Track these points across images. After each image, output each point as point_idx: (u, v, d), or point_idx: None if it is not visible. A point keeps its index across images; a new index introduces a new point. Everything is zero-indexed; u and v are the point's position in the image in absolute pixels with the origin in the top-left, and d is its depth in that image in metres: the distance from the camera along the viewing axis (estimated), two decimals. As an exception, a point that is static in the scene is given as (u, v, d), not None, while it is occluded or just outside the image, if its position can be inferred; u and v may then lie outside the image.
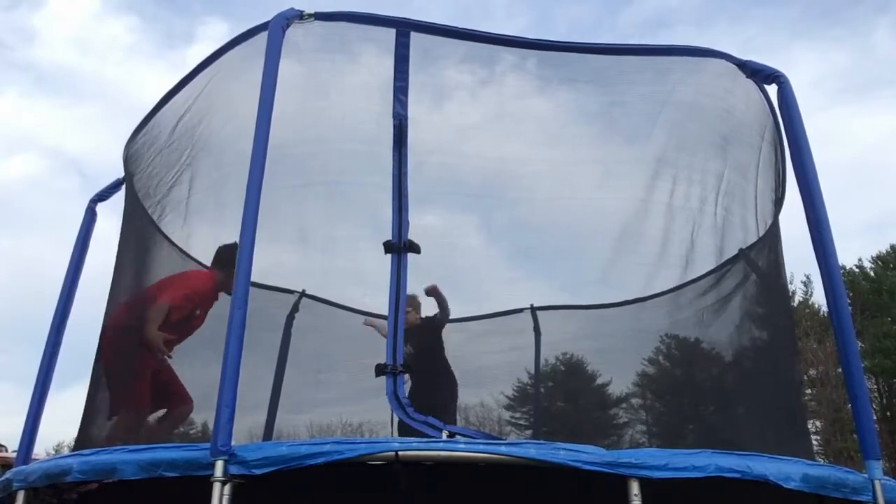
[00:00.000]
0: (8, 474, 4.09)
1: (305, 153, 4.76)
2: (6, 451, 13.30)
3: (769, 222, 5.01)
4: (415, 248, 3.99)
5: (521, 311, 6.70)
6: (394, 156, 4.21)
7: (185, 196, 4.91)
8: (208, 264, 5.09)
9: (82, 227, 5.39)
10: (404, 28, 4.28)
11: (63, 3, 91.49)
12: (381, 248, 3.99)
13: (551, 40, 4.39)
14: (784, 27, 65.05)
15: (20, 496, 3.83)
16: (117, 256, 5.23)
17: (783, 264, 5.07)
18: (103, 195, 5.52)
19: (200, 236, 5.11)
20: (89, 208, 5.45)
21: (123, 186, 5.47)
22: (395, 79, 4.33)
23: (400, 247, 3.97)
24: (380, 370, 3.78)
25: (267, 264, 4.98)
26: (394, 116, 4.30)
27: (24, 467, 4.02)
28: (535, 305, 6.75)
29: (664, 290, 5.41)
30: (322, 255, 5.40)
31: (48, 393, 4.97)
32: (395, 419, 4.03)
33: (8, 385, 66.82)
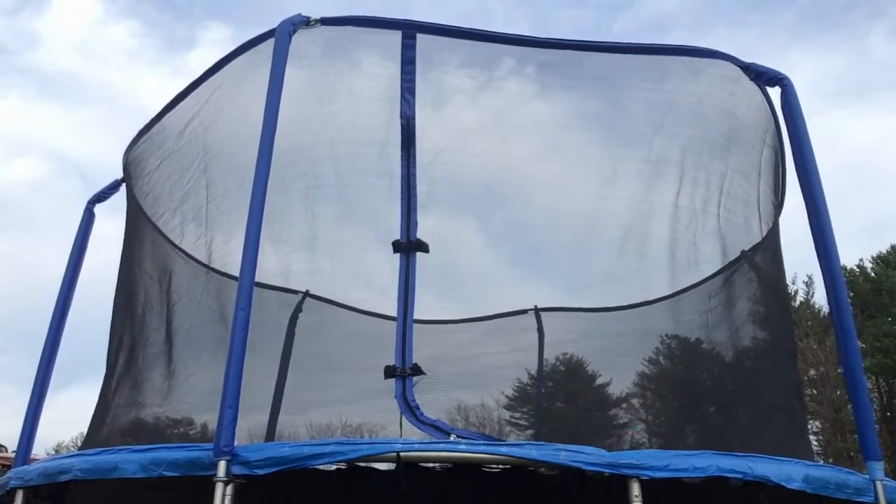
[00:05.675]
0: (8, 474, 4.08)
1: (312, 157, 4.74)
2: (6, 451, 13.26)
3: (770, 224, 5.00)
4: (423, 247, 3.94)
5: (524, 312, 6.67)
6: (402, 155, 4.19)
7: (203, 203, 4.89)
8: (226, 270, 5.07)
9: (80, 227, 5.38)
10: (410, 30, 4.28)
11: (66, 8, 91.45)
12: (386, 250, 3.96)
13: (556, 38, 4.36)
14: (781, 32, 65.08)
15: (19, 495, 3.83)
16: (121, 264, 5.23)
17: (783, 266, 5.06)
18: (101, 196, 5.50)
19: (221, 242, 5.07)
20: (87, 209, 5.43)
21: (122, 188, 5.46)
22: (402, 80, 4.32)
23: (409, 246, 3.93)
24: (388, 372, 3.72)
25: (273, 264, 4.96)
26: (401, 116, 4.28)
27: (23, 467, 4.01)
28: (539, 307, 6.72)
29: (668, 292, 5.39)
30: (327, 256, 5.37)
31: (47, 393, 4.96)
32: (403, 420, 3.98)
33: (8, 385, 66.78)
